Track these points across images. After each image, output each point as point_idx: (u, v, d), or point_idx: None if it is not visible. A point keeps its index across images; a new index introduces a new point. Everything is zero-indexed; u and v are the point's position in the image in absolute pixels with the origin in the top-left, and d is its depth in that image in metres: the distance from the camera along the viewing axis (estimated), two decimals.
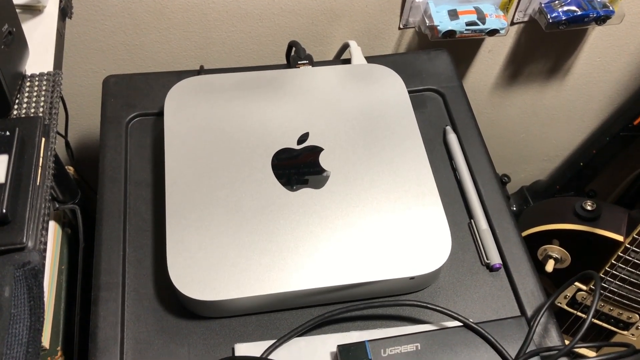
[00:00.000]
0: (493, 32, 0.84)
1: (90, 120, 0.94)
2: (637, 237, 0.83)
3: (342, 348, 0.51)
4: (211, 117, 0.63)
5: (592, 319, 0.98)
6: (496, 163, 0.66)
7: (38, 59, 0.55)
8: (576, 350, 0.96)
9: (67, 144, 0.79)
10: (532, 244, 0.99)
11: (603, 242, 0.90)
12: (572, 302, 0.98)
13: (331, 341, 0.53)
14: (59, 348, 0.64)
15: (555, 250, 0.96)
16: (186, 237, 0.55)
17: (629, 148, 1.14)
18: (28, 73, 0.55)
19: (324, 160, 0.61)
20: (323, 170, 0.60)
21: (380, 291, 0.56)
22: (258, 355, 0.51)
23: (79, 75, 0.87)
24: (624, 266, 0.87)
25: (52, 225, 0.69)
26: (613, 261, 0.87)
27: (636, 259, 0.85)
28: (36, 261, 0.40)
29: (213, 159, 0.60)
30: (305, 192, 0.58)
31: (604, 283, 0.91)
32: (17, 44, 0.52)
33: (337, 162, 0.61)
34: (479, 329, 0.53)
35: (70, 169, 0.81)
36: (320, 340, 0.54)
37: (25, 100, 0.52)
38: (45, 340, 0.63)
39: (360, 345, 0.52)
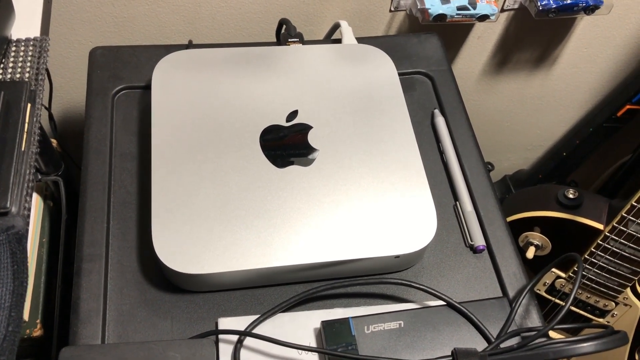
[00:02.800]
0: (483, 18, 0.84)
1: (74, 93, 0.93)
2: (617, 225, 0.84)
3: (325, 324, 0.52)
4: (199, 91, 0.63)
5: (570, 307, 1.00)
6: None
7: (24, 24, 0.54)
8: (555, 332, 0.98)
9: (50, 116, 0.78)
10: (514, 231, 0.99)
11: (583, 230, 0.92)
12: (551, 289, 0.99)
13: (315, 317, 0.54)
14: (38, 320, 0.63)
15: (536, 237, 0.98)
16: (172, 210, 0.54)
17: (611, 139, 1.16)
18: (14, 38, 0.53)
19: (312, 138, 0.61)
20: (311, 148, 0.60)
21: (365, 269, 0.57)
22: (242, 329, 0.51)
23: (64, 46, 0.85)
24: (602, 254, 0.88)
25: (34, 198, 0.68)
26: (592, 249, 0.88)
27: (615, 248, 0.86)
28: (20, 226, 0.39)
29: (200, 133, 0.59)
30: (293, 170, 0.58)
31: (583, 271, 0.92)
32: (2, 6, 0.51)
33: (326, 141, 0.61)
34: (462, 308, 0.54)
35: (53, 142, 0.80)
36: (304, 316, 0.54)
37: (11, 65, 0.51)
38: (25, 313, 0.63)
39: (344, 321, 0.52)
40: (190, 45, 0.71)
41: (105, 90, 0.67)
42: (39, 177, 0.64)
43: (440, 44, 0.77)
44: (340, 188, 0.58)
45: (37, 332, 0.63)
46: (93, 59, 0.69)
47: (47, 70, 0.71)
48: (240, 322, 0.53)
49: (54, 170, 0.69)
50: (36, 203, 0.68)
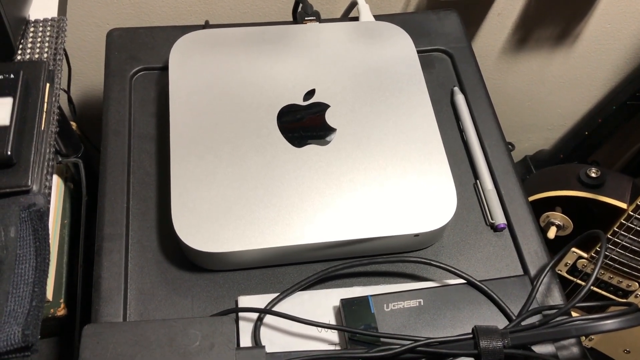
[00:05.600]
0: None
1: (93, 76, 0.93)
2: None
3: (345, 302, 0.52)
4: (216, 71, 0.62)
5: (592, 287, 0.99)
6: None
7: (42, 3, 0.54)
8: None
9: (69, 99, 0.78)
10: (535, 211, 0.98)
11: (606, 209, 0.90)
12: (573, 269, 0.98)
13: (334, 295, 0.53)
14: (61, 300, 0.64)
15: (557, 217, 0.96)
16: (190, 189, 0.54)
17: (635, 117, 1.13)
18: (32, 18, 0.54)
19: (330, 117, 0.60)
20: (329, 127, 0.60)
21: (385, 248, 0.56)
22: (262, 307, 0.51)
23: (82, 29, 0.85)
24: (626, 234, 0.87)
25: (55, 179, 0.69)
26: (615, 229, 0.87)
27: (639, 227, 0.85)
28: (41, 204, 0.39)
29: (218, 113, 0.59)
30: (311, 149, 0.58)
31: (606, 251, 0.91)
32: None
33: (344, 119, 0.60)
34: (482, 286, 0.53)
35: (72, 124, 0.80)
36: (324, 295, 0.54)
37: (30, 45, 0.51)
38: (49, 293, 0.64)
39: (363, 299, 0.52)
40: (207, 26, 0.71)
41: (123, 71, 0.67)
42: (60, 159, 0.64)
43: (460, 20, 0.76)
44: (358, 167, 0.57)
45: (61, 311, 0.64)
46: (110, 41, 0.69)
47: (65, 53, 0.71)
48: (260, 300, 0.53)
49: (73, 153, 0.70)
50: (57, 185, 0.69)
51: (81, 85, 0.95)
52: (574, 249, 0.96)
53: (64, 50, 0.70)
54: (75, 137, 0.71)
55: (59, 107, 0.52)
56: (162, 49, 0.69)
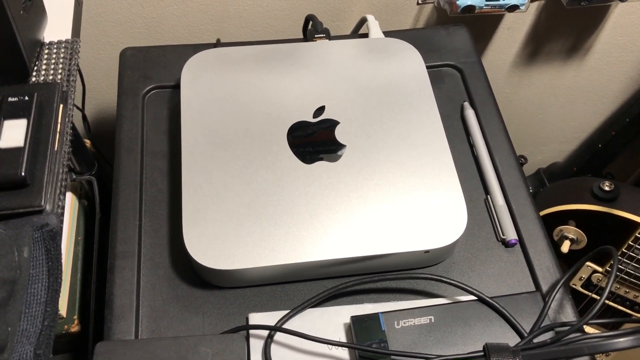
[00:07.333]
0: (513, 8, 0.82)
1: (107, 94, 0.95)
2: None
3: (355, 319, 0.52)
4: (228, 88, 0.63)
5: (607, 302, 0.98)
6: (513, 144, 0.66)
7: (56, 25, 0.55)
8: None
9: (84, 117, 0.79)
10: (548, 225, 0.98)
11: (621, 223, 0.89)
12: (587, 284, 0.97)
13: (345, 312, 0.53)
14: (75, 317, 0.65)
15: (571, 231, 0.96)
16: (202, 207, 0.55)
17: None
18: (46, 40, 0.55)
19: (339, 133, 0.61)
20: (339, 144, 0.60)
21: (395, 264, 0.56)
22: (272, 324, 0.52)
23: (96, 48, 0.87)
24: None
25: (69, 197, 0.70)
26: (630, 242, 0.86)
27: None
28: (54, 224, 0.40)
29: (229, 130, 0.60)
30: (321, 165, 0.58)
31: (621, 265, 0.90)
32: (36, 10, 0.52)
33: (353, 136, 0.61)
34: (494, 303, 0.53)
35: (87, 142, 0.81)
36: (334, 312, 0.54)
37: (44, 67, 0.52)
38: (63, 309, 0.64)
39: (374, 316, 0.52)
40: (218, 44, 0.72)
41: (135, 90, 0.68)
42: (74, 176, 0.65)
43: (469, 35, 0.76)
44: (368, 183, 0.57)
45: (75, 327, 0.65)
46: (123, 60, 0.70)
47: (80, 72, 0.72)
48: (270, 318, 0.53)
49: (87, 170, 0.71)
50: (71, 202, 0.69)
51: (96, 103, 0.96)
52: (588, 263, 0.95)
53: (79, 69, 0.72)
54: (89, 154, 0.72)
55: (73, 126, 0.53)
56: (174, 67, 0.70)
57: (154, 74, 0.70)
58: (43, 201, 0.42)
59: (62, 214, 0.43)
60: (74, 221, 0.70)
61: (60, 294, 0.63)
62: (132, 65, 0.70)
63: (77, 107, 0.76)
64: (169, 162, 0.63)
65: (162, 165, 0.63)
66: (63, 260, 0.65)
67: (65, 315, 0.64)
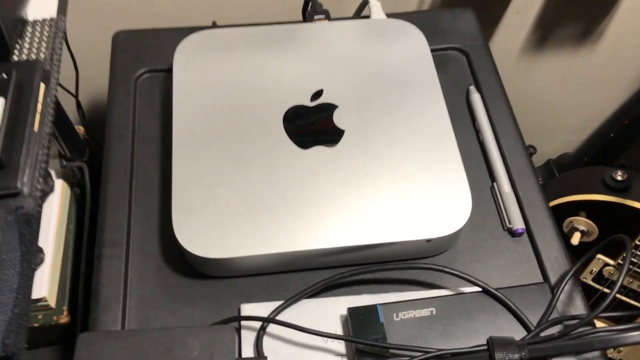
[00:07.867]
0: None
1: (102, 79, 0.92)
2: None
3: (352, 311, 0.49)
4: (222, 71, 0.61)
5: (619, 296, 0.95)
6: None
7: (41, 4, 0.53)
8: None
9: (78, 103, 0.77)
10: (558, 216, 0.95)
11: (633, 214, 0.86)
12: (599, 277, 0.94)
13: (341, 304, 0.51)
14: (64, 307, 0.63)
15: (581, 222, 0.93)
16: (192, 193, 0.52)
17: None
18: (30, 19, 0.52)
19: (338, 118, 0.58)
20: (337, 128, 0.57)
21: (395, 254, 0.54)
22: (265, 316, 0.49)
23: (90, 32, 0.85)
24: None
25: (61, 185, 0.68)
26: None
27: None
28: (29, 207, 0.38)
29: (223, 114, 0.58)
30: (318, 151, 0.56)
31: (634, 258, 0.87)
32: None
33: (352, 120, 0.58)
34: (499, 294, 0.50)
35: (80, 129, 0.79)
36: (330, 303, 0.51)
37: (27, 45, 0.50)
38: (52, 300, 0.62)
39: (372, 308, 0.49)
40: (214, 27, 0.69)
41: (127, 74, 0.66)
42: (64, 163, 0.63)
43: (476, 18, 0.73)
44: (367, 169, 0.55)
45: (64, 318, 0.63)
46: (116, 43, 0.68)
47: (72, 57, 0.70)
48: (263, 309, 0.51)
49: (78, 157, 0.68)
50: (62, 190, 0.67)
51: (91, 89, 0.94)
52: (599, 256, 0.92)
53: (72, 54, 0.70)
54: (80, 141, 0.70)
55: (59, 107, 0.51)
56: (168, 51, 0.68)
57: (147, 57, 0.67)
58: (19, 184, 0.39)
59: (42, 198, 0.41)
60: (65, 209, 0.67)
61: (50, 285, 0.62)
62: (124, 49, 0.68)
63: (71, 93, 0.74)
64: (161, 149, 0.61)
65: (154, 151, 0.61)
66: (53, 249, 0.63)
67: (54, 306, 0.62)
